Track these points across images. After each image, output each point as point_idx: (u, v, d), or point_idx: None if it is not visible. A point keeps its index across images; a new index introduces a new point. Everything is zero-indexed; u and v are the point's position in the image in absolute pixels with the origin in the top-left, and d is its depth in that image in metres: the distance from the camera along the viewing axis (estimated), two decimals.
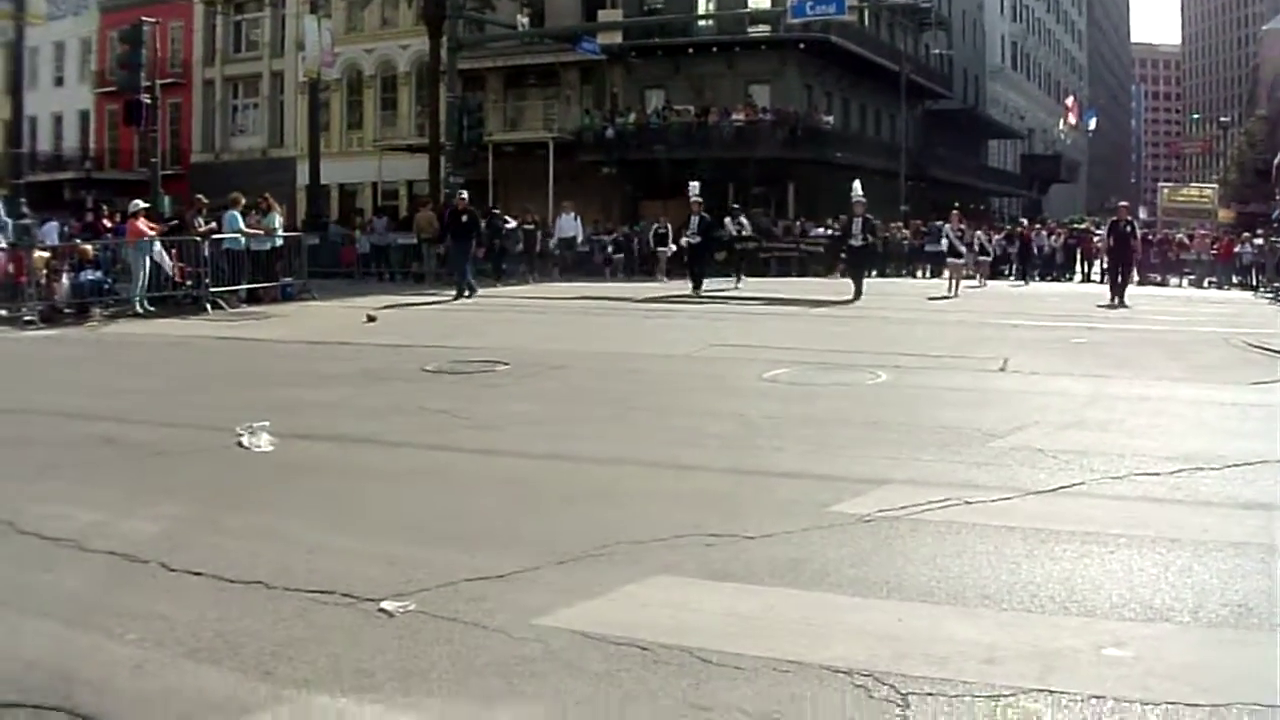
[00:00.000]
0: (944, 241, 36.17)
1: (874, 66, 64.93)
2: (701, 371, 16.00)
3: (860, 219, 31.44)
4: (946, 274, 36.35)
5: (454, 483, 9.43)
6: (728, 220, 38.11)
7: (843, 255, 35.14)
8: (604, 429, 11.67)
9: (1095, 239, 50.31)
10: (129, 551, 7.22)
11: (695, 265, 34.34)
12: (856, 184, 32.14)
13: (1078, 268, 50.23)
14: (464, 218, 32.28)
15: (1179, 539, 7.30)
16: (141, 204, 28.56)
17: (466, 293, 30.66)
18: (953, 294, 33.13)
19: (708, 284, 33.47)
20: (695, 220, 34.76)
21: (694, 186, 35.79)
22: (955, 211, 36.07)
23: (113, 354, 20.32)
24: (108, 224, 33.55)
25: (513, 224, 40.39)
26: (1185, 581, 6.46)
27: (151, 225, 28.01)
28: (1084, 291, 39.08)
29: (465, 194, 33.95)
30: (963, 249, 35.11)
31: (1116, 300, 29.52)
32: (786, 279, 39.04)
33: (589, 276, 41.26)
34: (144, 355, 19.82)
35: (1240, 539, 7.38)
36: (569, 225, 43.73)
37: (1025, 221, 54.44)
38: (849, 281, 31.71)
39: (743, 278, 36.15)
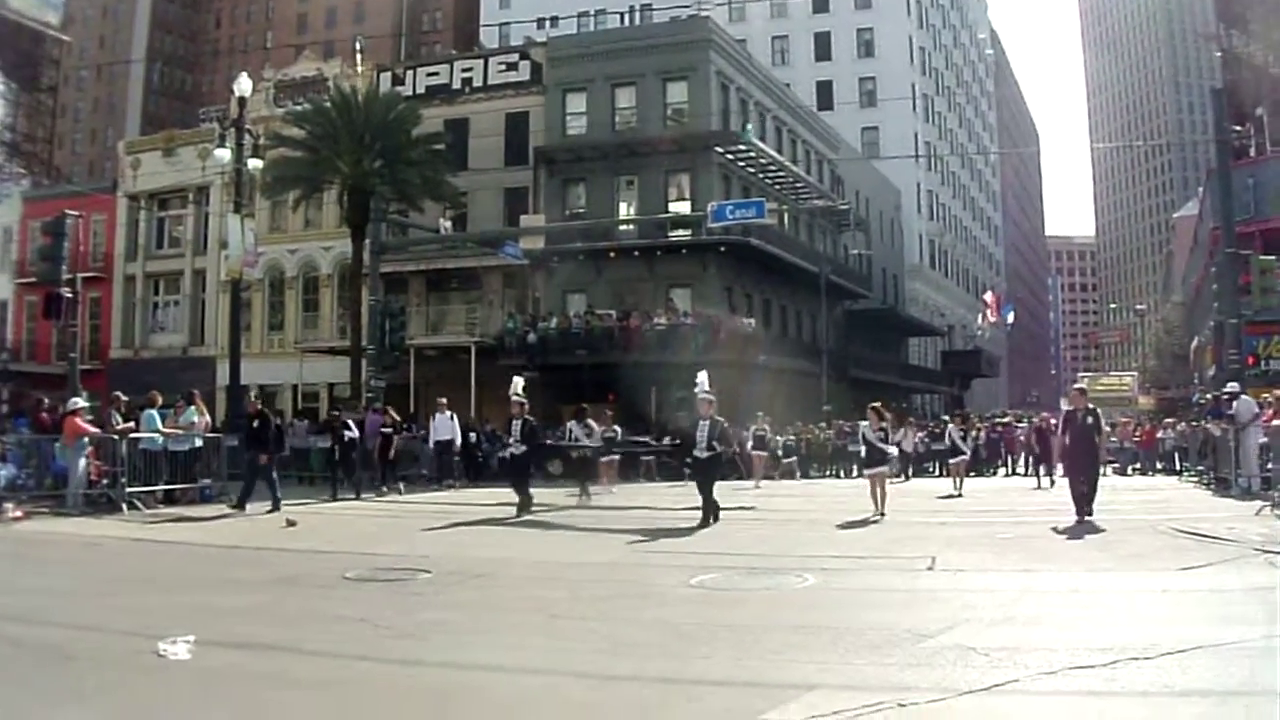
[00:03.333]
0: (861, 442, 28.69)
1: (794, 268, 65.69)
2: (627, 578, 15.78)
3: (707, 421, 24.13)
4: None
5: (375, 694, 9.22)
6: (572, 424, 35.17)
7: (687, 467, 28.54)
8: (530, 639, 11.42)
9: (1018, 432, 50.86)
10: None
11: (517, 477, 28.05)
12: (701, 376, 25.90)
13: (1003, 462, 50.63)
14: (255, 422, 28.63)
15: None
16: (81, 402, 28.20)
17: (273, 506, 27.24)
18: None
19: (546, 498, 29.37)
20: (516, 425, 28.37)
21: (516, 383, 29.81)
22: (873, 409, 27.18)
23: (25, 553, 19.90)
24: (46, 417, 33.20)
25: (355, 431, 35.06)
26: None
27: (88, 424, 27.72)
28: (1010, 485, 39.37)
29: (256, 396, 32.85)
30: (891, 450, 28.35)
31: (1083, 516, 21.60)
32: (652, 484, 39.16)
33: (477, 483, 39.81)
34: (57, 554, 19.53)
35: None
36: (445, 426, 39.45)
37: (946, 418, 54.75)
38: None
39: (594, 490, 32.19)
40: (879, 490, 25.40)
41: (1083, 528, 20.55)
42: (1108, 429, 29.03)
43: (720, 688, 9.06)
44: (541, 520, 25.10)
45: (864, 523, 23.04)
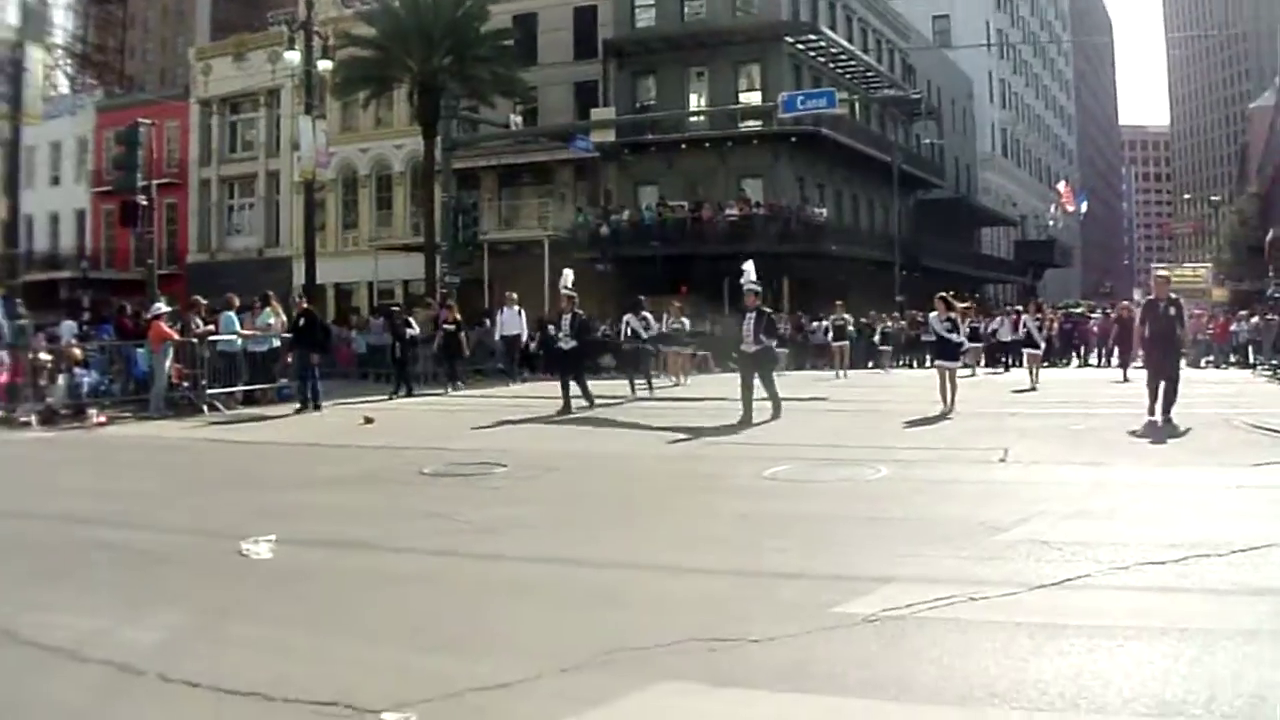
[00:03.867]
0: (933, 332, 26.51)
1: (865, 158, 65.41)
2: (700, 470, 15.86)
3: (753, 314, 23.04)
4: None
5: (455, 588, 9.32)
6: (629, 316, 33.58)
7: (734, 362, 25.57)
8: (604, 532, 11.57)
9: (1092, 323, 50.56)
10: (127, 661, 7.15)
11: (567, 375, 26.54)
12: (748, 266, 24.45)
13: (1074, 353, 50.30)
14: (301, 321, 28.63)
15: (1188, 629, 7.24)
16: (164, 306, 28.43)
17: (310, 406, 27.36)
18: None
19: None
20: (566, 320, 26.91)
21: (566, 276, 28.48)
22: (940, 299, 25.69)
23: (110, 457, 20.24)
24: (129, 323, 33.53)
25: (416, 329, 34.71)
26: (1196, 673, 6.39)
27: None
28: (1084, 377, 39.14)
29: (303, 292, 32.43)
30: (962, 341, 26.42)
31: (1162, 417, 19.86)
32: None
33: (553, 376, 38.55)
34: (141, 458, 19.75)
35: (1250, 626, 7.32)
36: (513, 321, 38.59)
37: (1019, 308, 54.36)
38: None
39: (640, 385, 31.14)
40: (948, 385, 24.03)
41: (1156, 424, 19.35)
42: (1205, 326, 25.92)
43: (794, 580, 9.10)
44: (604, 416, 24.47)
45: (933, 419, 22.07)
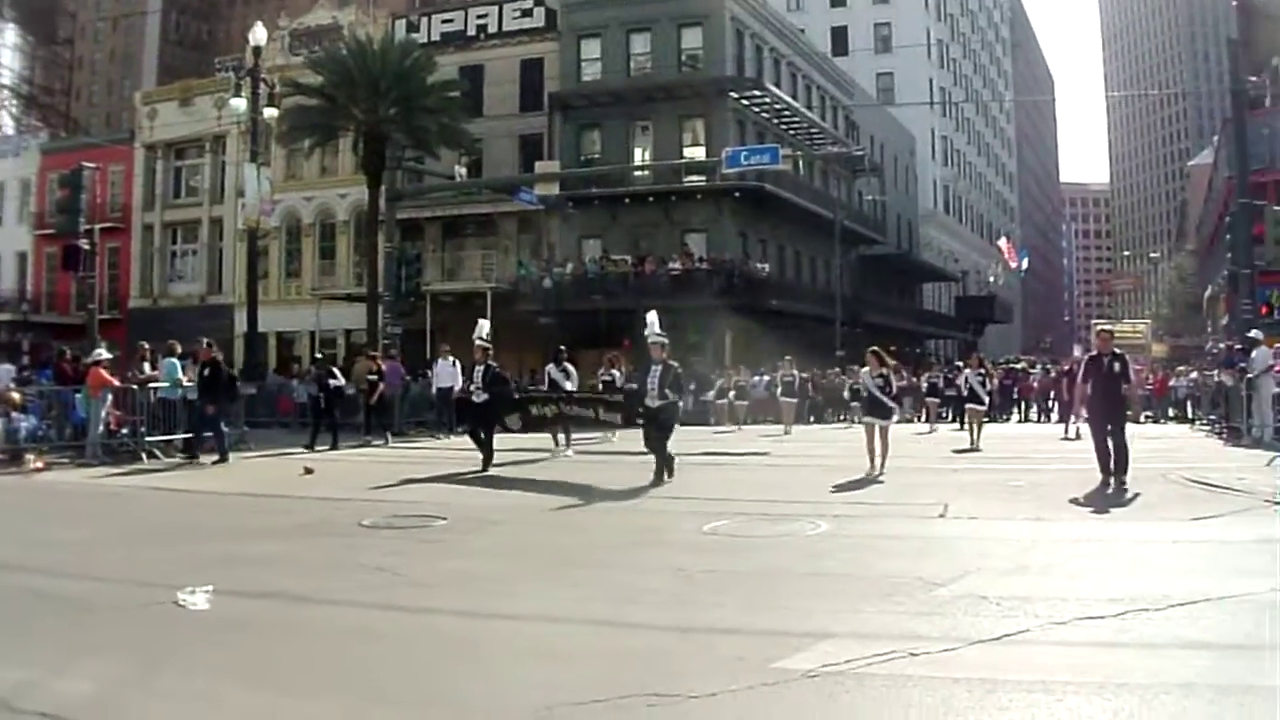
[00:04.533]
0: (861, 389, 25.43)
1: (808, 214, 65.72)
2: (641, 524, 15.87)
3: (659, 366, 21.61)
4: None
5: (393, 643, 9.29)
6: (550, 368, 31.53)
7: (639, 418, 23.38)
8: (543, 586, 11.55)
9: (1032, 379, 51.10)
10: (59, 713, 7.13)
11: (479, 429, 25.08)
12: (651, 316, 23.16)
13: (1014, 408, 50.80)
14: (206, 370, 27.46)
15: (1126, 684, 7.32)
16: (104, 353, 28.26)
17: (214, 457, 26.54)
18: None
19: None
20: (479, 371, 25.51)
21: (481, 326, 26.94)
22: (872, 353, 23.86)
23: (46, 504, 20.03)
24: (68, 368, 33.38)
25: (341, 380, 33.64)
26: None
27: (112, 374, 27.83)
28: (1025, 433, 39.42)
29: (208, 341, 29.55)
30: (890, 404, 23.54)
31: (1115, 481, 18.42)
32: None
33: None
34: (78, 505, 19.57)
35: (1187, 680, 7.41)
36: (446, 373, 37.20)
37: (960, 363, 54.67)
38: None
39: (563, 442, 28.80)
40: (877, 444, 22.35)
41: (1109, 490, 17.97)
42: (1144, 382, 23.71)
43: (733, 635, 9.12)
44: (532, 474, 23.57)
45: (862, 482, 20.41)
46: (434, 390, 39.23)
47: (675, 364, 22.29)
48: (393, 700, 7.47)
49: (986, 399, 32.62)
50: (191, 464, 26.12)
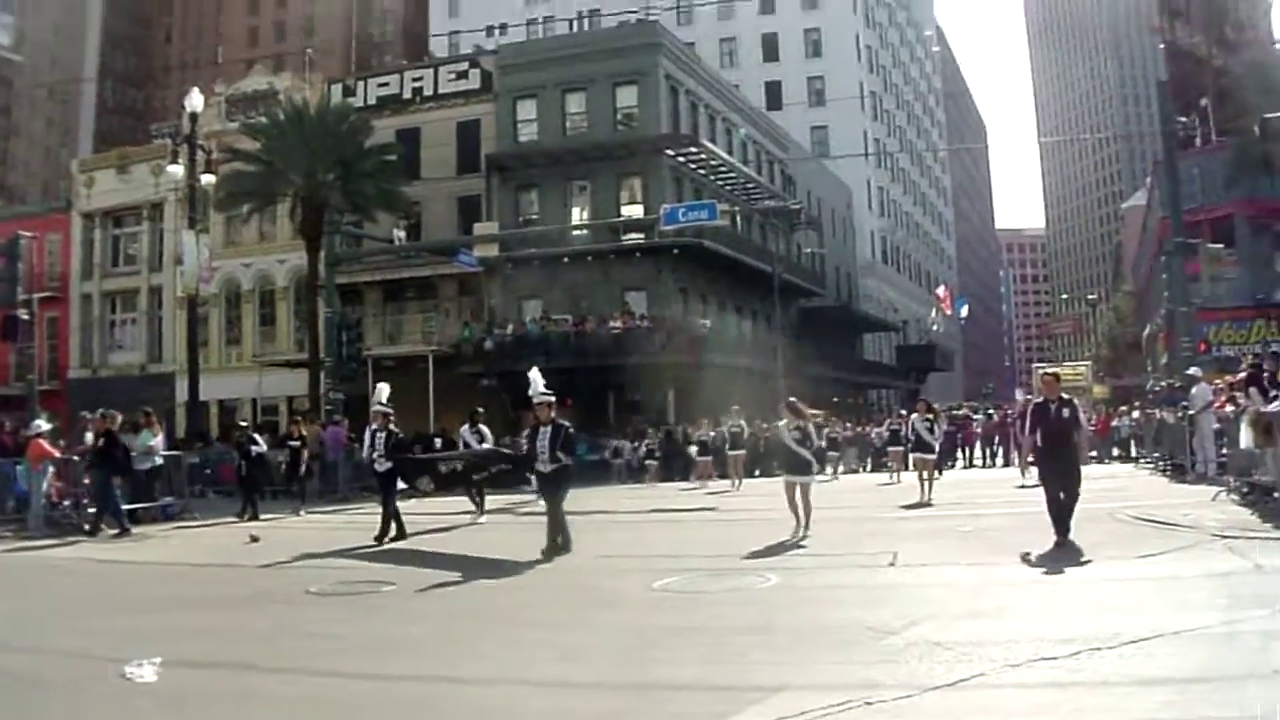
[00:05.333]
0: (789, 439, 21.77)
1: (748, 268, 65.88)
2: (591, 584, 15.83)
3: (548, 428, 19.89)
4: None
5: (340, 709, 9.30)
6: (464, 430, 30.43)
7: (529, 483, 22.91)
8: (492, 648, 11.53)
9: (975, 424, 51.40)
10: None
11: (386, 496, 23.55)
12: (534, 374, 21.90)
13: (959, 454, 51.04)
14: (100, 441, 26.59)
15: None
16: (44, 424, 28.03)
17: (114, 529, 25.60)
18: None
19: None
20: (380, 437, 24.26)
21: (381, 390, 26.17)
22: (788, 405, 22.09)
23: None
24: (7, 440, 33.09)
25: (263, 446, 32.49)
26: None
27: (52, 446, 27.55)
28: (970, 478, 39.58)
29: (102, 412, 28.67)
30: (808, 457, 21.63)
31: (1064, 538, 16.55)
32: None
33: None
34: (20, 578, 19.38)
35: (1143, 716, 7.56)
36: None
37: (903, 411, 54.87)
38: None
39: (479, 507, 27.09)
40: (799, 502, 20.70)
41: (1048, 526, 16.64)
42: (1088, 423, 21.08)
43: (685, 692, 9.14)
44: (455, 540, 22.88)
45: (787, 545, 19.05)
46: (367, 455, 37.07)
47: (566, 424, 20.54)
48: None
49: (935, 445, 30.41)
50: (93, 538, 25.22)
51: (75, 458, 27.71)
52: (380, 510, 23.52)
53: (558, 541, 19.19)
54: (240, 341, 67.72)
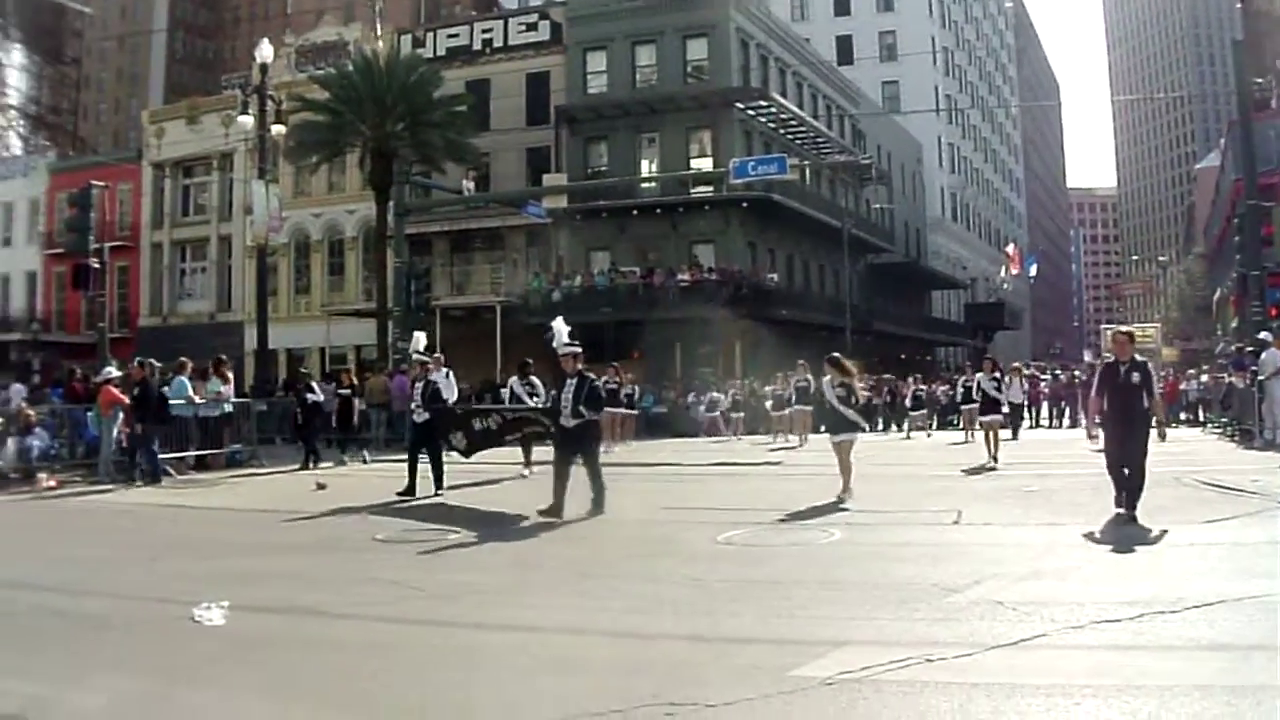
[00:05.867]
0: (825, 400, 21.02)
1: (816, 223, 65.74)
2: (656, 535, 15.79)
3: (574, 380, 18.78)
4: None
5: (410, 656, 9.28)
6: (513, 381, 28.49)
7: (552, 439, 20.15)
8: (558, 598, 11.54)
9: (1043, 385, 50.96)
10: None
11: (417, 450, 22.55)
12: (557, 324, 20.80)
13: (1027, 414, 50.52)
14: (136, 390, 26.48)
15: (1144, 686, 7.32)
16: (114, 371, 28.13)
17: (145, 479, 25.47)
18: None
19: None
20: (418, 387, 23.36)
21: (418, 339, 25.24)
22: (830, 361, 20.60)
23: (60, 521, 20.10)
24: (79, 387, 33.34)
25: (319, 395, 31.98)
26: None
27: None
28: (1038, 438, 39.25)
29: (140, 360, 28.58)
30: (854, 417, 20.19)
31: (1127, 511, 15.43)
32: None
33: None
34: (91, 523, 19.57)
35: (1204, 682, 7.41)
36: (444, 385, 29.42)
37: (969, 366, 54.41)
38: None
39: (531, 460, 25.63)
40: (844, 461, 19.77)
41: (1121, 520, 15.23)
42: (1160, 386, 17.36)
43: (749, 644, 9.11)
44: (511, 493, 22.27)
45: (835, 506, 18.18)
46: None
47: (592, 376, 19.41)
48: (406, 714, 7.45)
49: (1004, 404, 28.93)
50: (127, 486, 25.22)
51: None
52: (407, 462, 22.49)
53: (562, 506, 17.70)
54: (309, 291, 68.10)
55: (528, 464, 25.88)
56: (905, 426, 45.63)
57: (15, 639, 10.02)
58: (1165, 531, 13.95)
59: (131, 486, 25.01)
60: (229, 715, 7.46)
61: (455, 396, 31.48)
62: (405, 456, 22.57)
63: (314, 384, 33.31)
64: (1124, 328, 18.59)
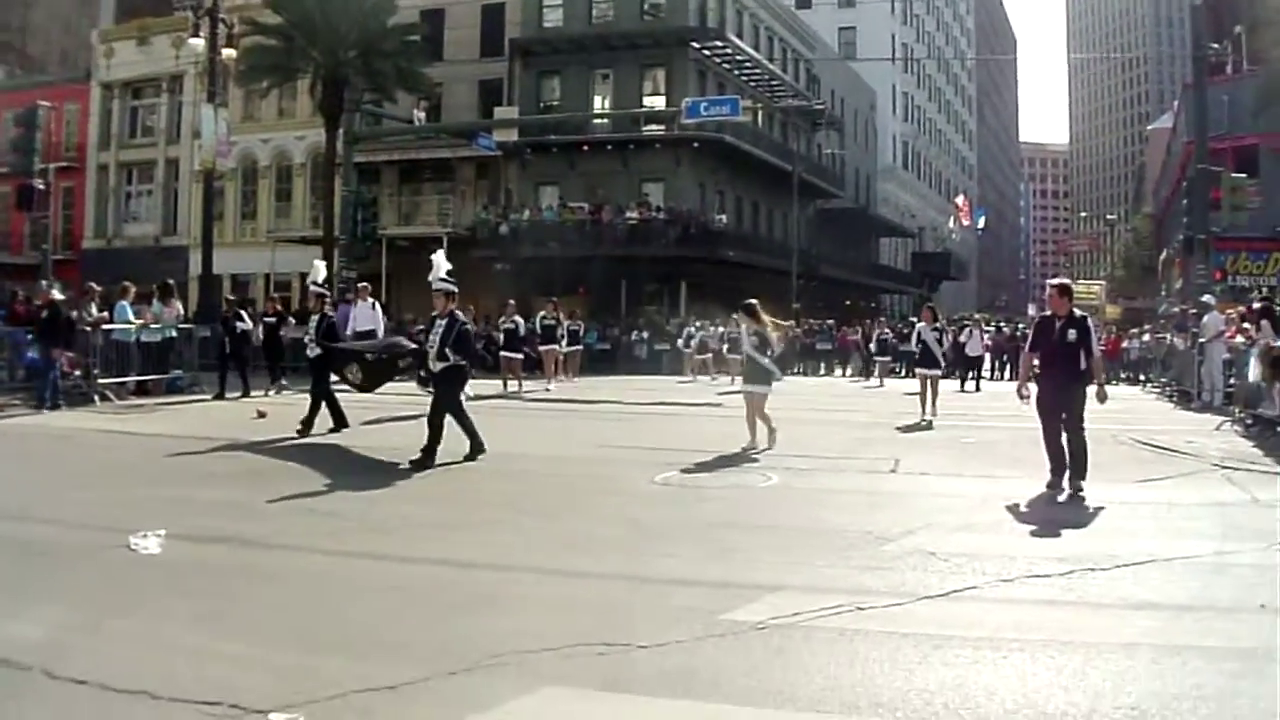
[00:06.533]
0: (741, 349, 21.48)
1: (767, 166, 65.83)
2: (594, 473, 15.85)
3: (444, 321, 17.33)
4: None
5: (343, 588, 9.28)
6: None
7: (422, 382, 22.00)
8: (495, 534, 11.54)
9: (985, 337, 51.13)
10: (9, 656, 7.07)
11: (316, 383, 21.48)
12: (437, 257, 18.37)
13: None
14: (44, 313, 25.94)
15: (1071, 642, 7.38)
16: (57, 294, 27.75)
17: (46, 405, 24.77)
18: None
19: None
20: (313, 321, 22.14)
21: (317, 268, 23.81)
22: (745, 308, 19.52)
23: None
24: (20, 309, 33.05)
25: (248, 323, 31.11)
26: (1078, 685, 6.51)
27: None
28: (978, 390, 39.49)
29: (46, 284, 28.99)
30: (769, 366, 19.33)
31: (1070, 485, 13.98)
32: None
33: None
34: (27, 448, 19.39)
35: (1131, 640, 7.47)
36: (365, 316, 32.33)
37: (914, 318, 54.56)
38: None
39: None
40: (754, 415, 19.10)
41: (1058, 498, 13.86)
42: (1099, 345, 15.42)
43: (683, 586, 9.15)
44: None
45: (741, 456, 17.77)
46: (350, 333, 32.15)
47: (462, 317, 17.83)
48: (340, 647, 7.44)
49: (941, 360, 26.93)
50: (39, 409, 24.71)
51: (87, 328, 27.57)
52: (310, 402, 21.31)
53: (431, 454, 16.47)
54: (255, 217, 67.73)
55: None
56: (877, 373, 45.55)
57: None
58: (1099, 489, 14.00)
59: (42, 410, 24.62)
60: (167, 646, 7.41)
61: (380, 328, 31.61)
62: (343, 388, 22.10)
63: (241, 312, 32.23)
64: (1059, 280, 16.61)
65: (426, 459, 16.29)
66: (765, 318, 19.42)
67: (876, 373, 45.16)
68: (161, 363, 29.73)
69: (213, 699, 6.27)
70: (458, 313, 17.53)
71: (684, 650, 7.21)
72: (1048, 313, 15.23)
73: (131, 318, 28.47)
